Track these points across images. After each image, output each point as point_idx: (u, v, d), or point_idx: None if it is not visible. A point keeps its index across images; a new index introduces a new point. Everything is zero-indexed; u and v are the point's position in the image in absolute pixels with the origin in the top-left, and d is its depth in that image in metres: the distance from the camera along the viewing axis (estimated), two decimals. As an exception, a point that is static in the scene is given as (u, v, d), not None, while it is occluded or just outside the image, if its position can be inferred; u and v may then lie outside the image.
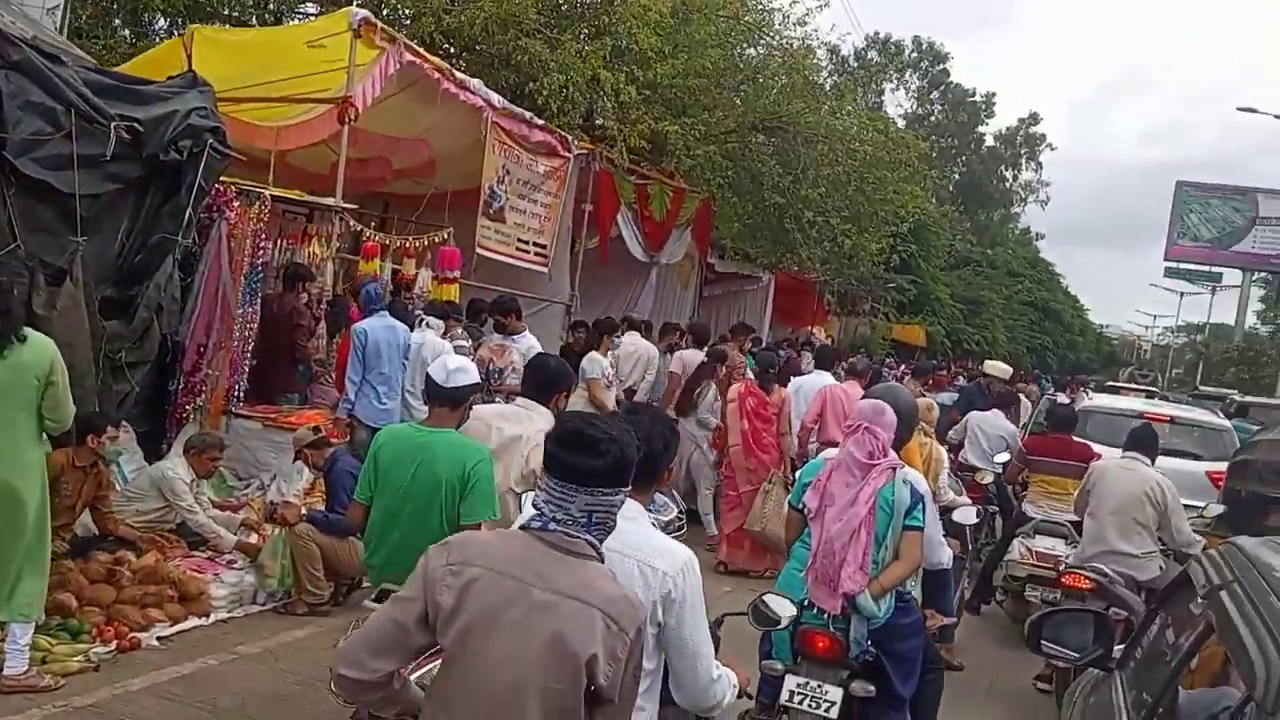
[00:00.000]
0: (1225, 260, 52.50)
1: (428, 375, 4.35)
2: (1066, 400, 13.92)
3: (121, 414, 6.57)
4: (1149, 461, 6.99)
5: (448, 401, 4.24)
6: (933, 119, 52.54)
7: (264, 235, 7.23)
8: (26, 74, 5.22)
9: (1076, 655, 3.87)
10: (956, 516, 6.76)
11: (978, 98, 55.82)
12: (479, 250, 10.27)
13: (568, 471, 2.39)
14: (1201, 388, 37.78)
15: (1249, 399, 24.55)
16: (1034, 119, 58.24)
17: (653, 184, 13.62)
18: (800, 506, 4.53)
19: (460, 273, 9.77)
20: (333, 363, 8.28)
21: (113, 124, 5.72)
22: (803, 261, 17.60)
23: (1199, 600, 3.16)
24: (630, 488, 2.51)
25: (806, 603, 4.32)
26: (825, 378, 9.76)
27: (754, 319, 19.73)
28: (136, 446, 6.86)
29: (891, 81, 43.06)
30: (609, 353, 9.58)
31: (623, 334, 10.50)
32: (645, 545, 2.85)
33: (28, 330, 4.51)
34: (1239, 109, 35.82)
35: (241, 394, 7.41)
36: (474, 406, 4.64)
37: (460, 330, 8.94)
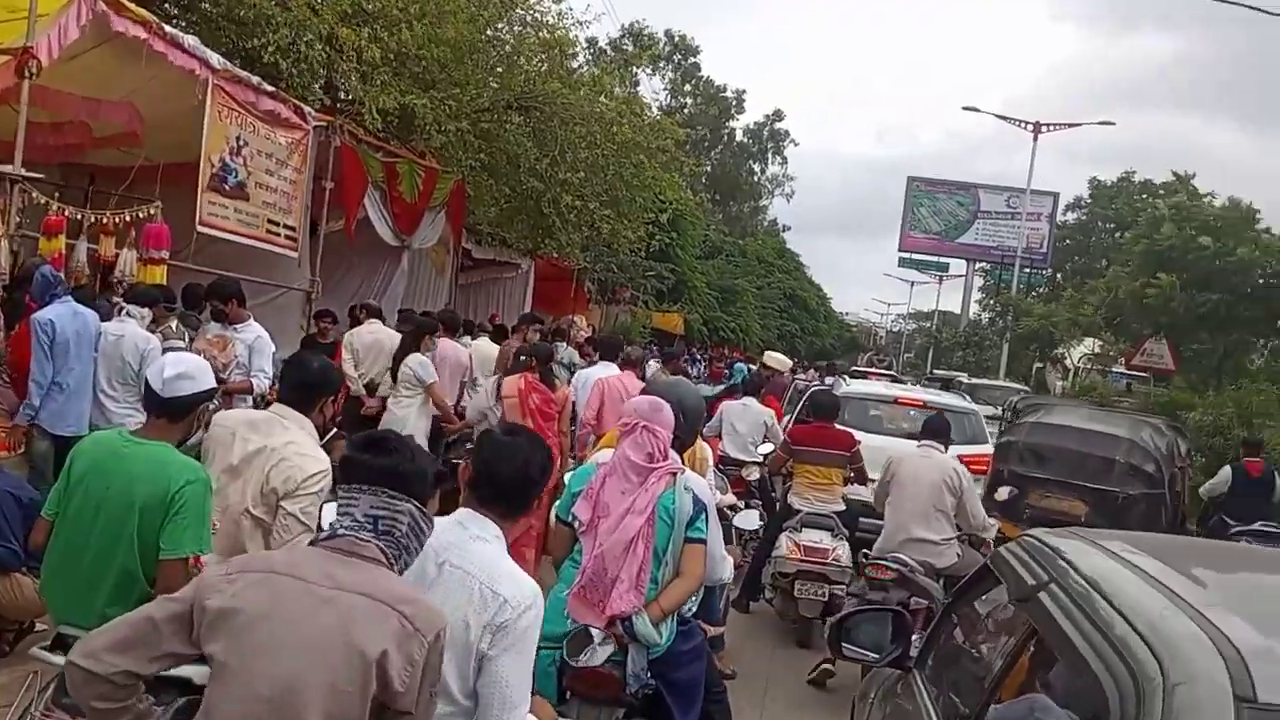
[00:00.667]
0: (951, 251, 56.69)
1: (145, 381, 3.64)
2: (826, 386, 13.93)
3: None
4: (943, 449, 7.16)
5: (165, 411, 3.56)
6: (686, 111, 53.24)
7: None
8: None
9: (876, 656, 3.70)
10: (739, 522, 6.30)
11: (729, 93, 57.38)
12: (200, 228, 9.02)
13: (356, 472, 2.42)
14: (934, 371, 40.28)
15: (975, 380, 26.61)
16: (779, 115, 60.36)
17: (402, 162, 12.61)
18: (569, 519, 3.92)
19: (169, 253, 8.47)
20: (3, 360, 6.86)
21: None
22: (561, 247, 17.06)
23: (1015, 602, 2.88)
24: (425, 502, 2.49)
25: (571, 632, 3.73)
26: (609, 369, 8.94)
27: (513, 307, 19.19)
28: None
29: (646, 70, 43.13)
30: (426, 352, 8.56)
31: (364, 320, 9.52)
32: (494, 569, 2.69)
33: None
34: (964, 108, 38.42)
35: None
36: (219, 411, 4.18)
37: (174, 322, 7.73)
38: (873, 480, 9.35)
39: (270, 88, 9.96)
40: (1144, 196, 57.88)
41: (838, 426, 8.49)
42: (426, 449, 3.79)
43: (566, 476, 4.32)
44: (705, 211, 44.99)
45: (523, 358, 8.24)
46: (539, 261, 19.69)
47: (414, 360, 8.31)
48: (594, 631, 3.69)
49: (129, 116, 9.10)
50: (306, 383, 3.99)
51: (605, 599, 3.67)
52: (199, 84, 8.81)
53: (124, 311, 6.79)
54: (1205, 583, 2.46)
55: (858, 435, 8.58)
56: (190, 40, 8.75)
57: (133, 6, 7.99)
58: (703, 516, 3.87)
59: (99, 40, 8.11)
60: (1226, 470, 11.42)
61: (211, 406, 5.94)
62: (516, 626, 2.59)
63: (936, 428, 7.36)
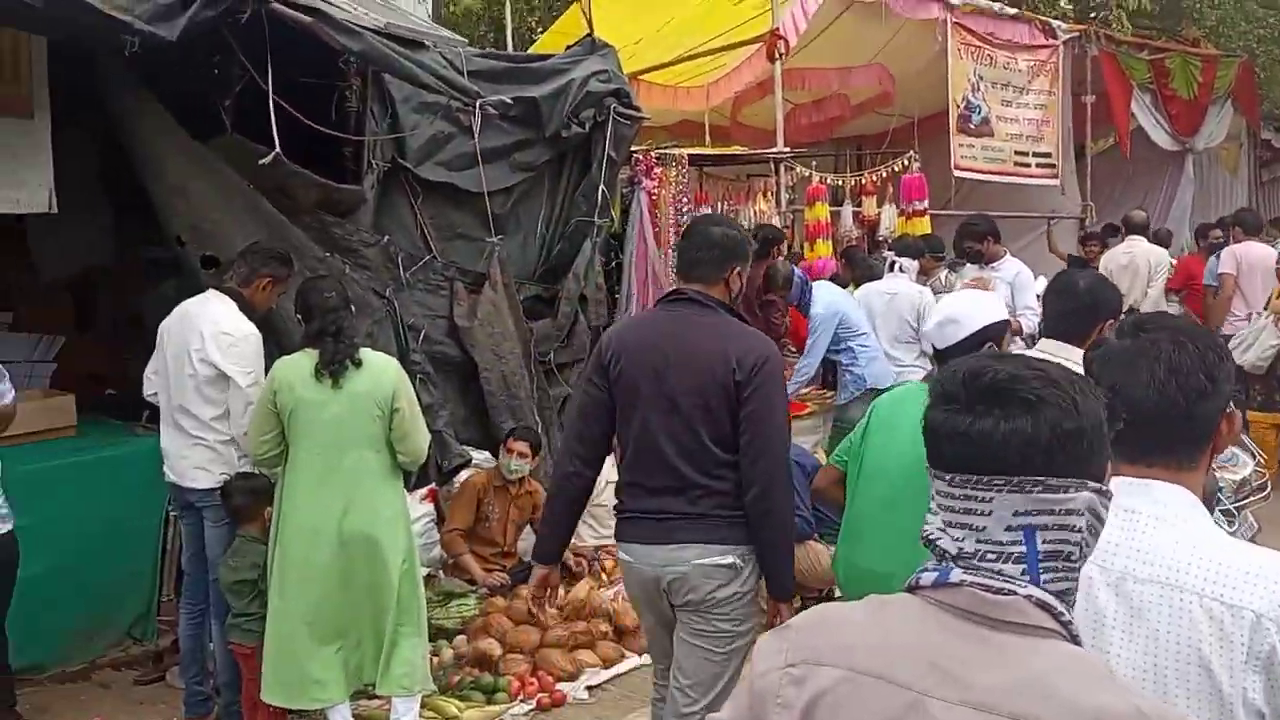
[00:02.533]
0: None
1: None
2: None
3: (563, 419, 6.08)
4: None
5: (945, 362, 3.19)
6: None
7: (686, 199, 6.36)
8: (375, 63, 4.76)
9: None
10: None
11: None
12: (957, 172, 8.79)
13: (965, 451, 1.26)
14: None
15: None
16: None
17: (1172, 57, 11.09)
18: None
19: (928, 204, 8.31)
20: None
21: (478, 102, 5.13)
22: None
23: None
24: (1105, 475, 1.30)
25: None
26: None
27: (1341, 198, 15.96)
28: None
29: None
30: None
31: (1121, 239, 8.38)
32: (1211, 565, 1.54)
33: (366, 352, 3.87)
34: None
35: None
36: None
37: (944, 272, 7.52)
38: None
39: (1012, 10, 9.40)
40: None
41: None
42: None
43: None
44: None
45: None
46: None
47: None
48: None
49: (879, 78, 9.19)
50: (1074, 309, 3.25)
51: None
52: (939, 27, 8.60)
53: (896, 266, 6.73)
54: None
55: None
56: (924, -16, 8.56)
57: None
58: None
59: (840, 8, 8.30)
60: None
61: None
62: None
63: None
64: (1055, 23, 9.86)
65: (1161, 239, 9.34)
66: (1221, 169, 14.05)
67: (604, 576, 5.42)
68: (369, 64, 4.80)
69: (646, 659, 4.87)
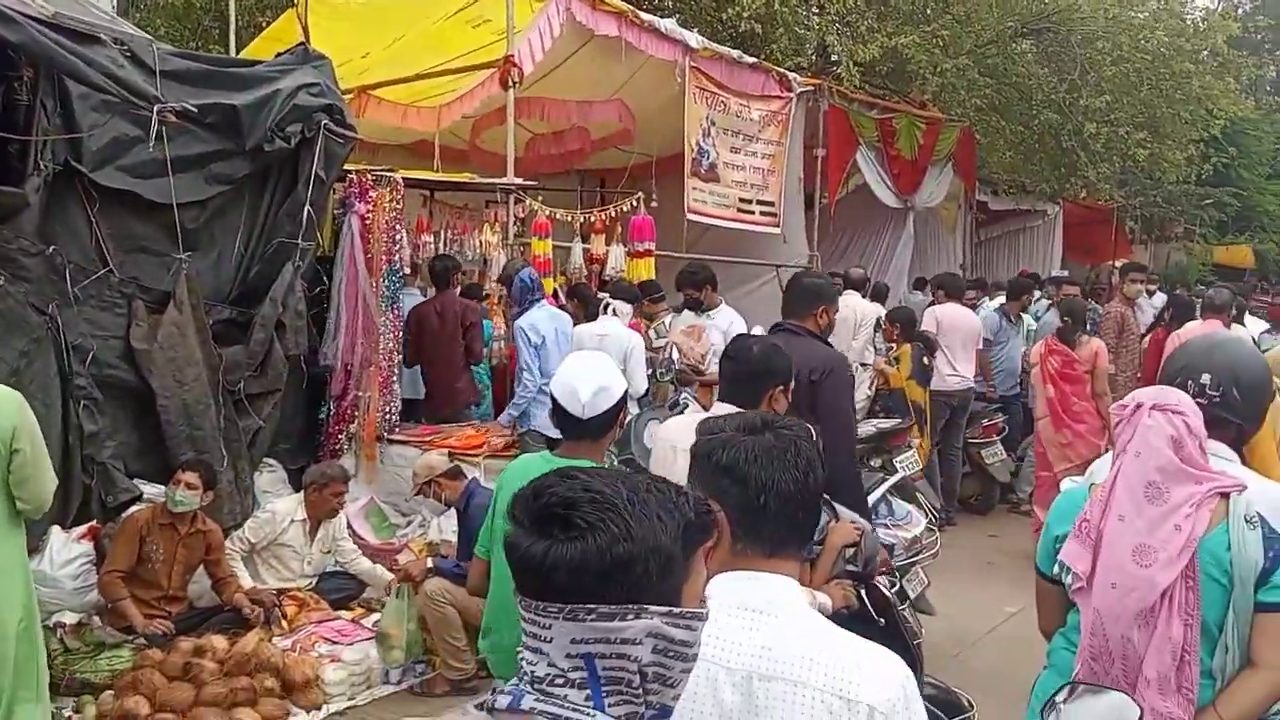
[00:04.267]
0: None
1: (552, 398, 3.14)
2: None
3: (256, 454, 5.69)
4: None
5: (587, 434, 3.10)
6: (1241, 11, 46.12)
7: (399, 226, 6.12)
8: (36, 57, 4.29)
9: None
10: None
11: (1293, -21, 48.77)
12: (689, 215, 8.89)
13: (524, 574, 1.26)
14: None
15: None
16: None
17: (898, 117, 11.71)
18: (1054, 574, 2.57)
19: (653, 245, 8.37)
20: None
21: (155, 108, 4.72)
22: (1091, 184, 15.06)
23: None
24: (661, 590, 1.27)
25: None
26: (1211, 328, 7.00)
27: (1041, 259, 17.45)
28: (287, 486, 5.96)
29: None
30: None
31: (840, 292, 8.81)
32: (828, 660, 1.62)
33: (-13, 384, 3.42)
34: None
35: (395, 415, 6.34)
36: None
37: (667, 318, 7.59)
38: None
39: (750, 59, 9.64)
40: None
41: None
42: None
43: (1064, 485, 2.91)
44: (1275, 122, 38.54)
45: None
46: (1067, 206, 17.62)
47: None
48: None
49: (619, 114, 9.21)
50: (747, 374, 3.25)
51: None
52: (678, 69, 8.71)
53: (610, 309, 6.71)
54: None
55: None
56: (667, 24, 8.64)
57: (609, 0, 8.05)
58: None
59: (580, 42, 8.26)
60: None
61: (684, 402, 5.68)
62: None
63: None
64: (792, 75, 10.17)
65: (879, 293, 9.81)
66: (941, 227, 15.05)
67: (284, 624, 5.06)
68: (28, 57, 4.31)
69: (316, 714, 4.58)
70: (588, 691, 1.23)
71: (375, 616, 5.18)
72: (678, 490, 1.32)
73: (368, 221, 5.97)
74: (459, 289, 7.16)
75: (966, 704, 3.51)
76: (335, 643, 4.90)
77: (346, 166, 6.02)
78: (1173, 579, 2.29)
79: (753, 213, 9.57)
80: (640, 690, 1.25)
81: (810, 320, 4.20)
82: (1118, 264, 18.96)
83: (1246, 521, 2.31)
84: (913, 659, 3.31)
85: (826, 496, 3.56)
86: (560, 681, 1.23)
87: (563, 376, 3.14)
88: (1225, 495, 2.33)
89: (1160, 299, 10.96)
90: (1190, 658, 2.29)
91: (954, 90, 12.34)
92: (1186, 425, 2.35)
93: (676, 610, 1.26)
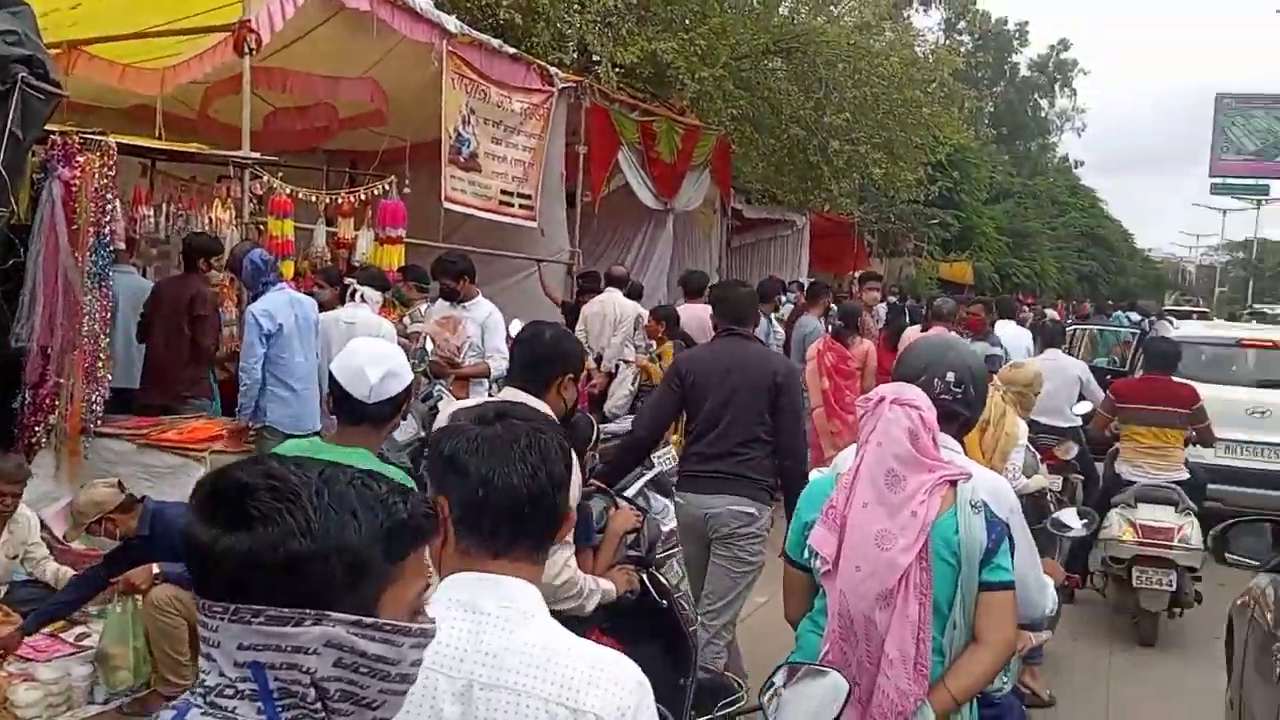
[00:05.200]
0: (1272, 172, 52.18)
1: (333, 382, 2.90)
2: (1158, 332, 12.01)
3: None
4: None
5: (369, 419, 2.88)
6: (964, 50, 50.16)
7: (111, 195, 5.46)
8: None
9: (1257, 563, 4.06)
10: (1054, 527, 4.85)
11: (1010, 26, 53.95)
12: (446, 204, 8.56)
13: (194, 567, 1.10)
14: (1256, 305, 35.79)
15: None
16: (1064, 45, 57.02)
17: (659, 121, 11.81)
18: (803, 559, 2.65)
19: (404, 231, 8.00)
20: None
21: None
22: (834, 198, 15.86)
23: None
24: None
25: None
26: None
27: (790, 267, 18.20)
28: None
29: (918, 8, 40.71)
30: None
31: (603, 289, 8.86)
32: (556, 669, 1.52)
33: None
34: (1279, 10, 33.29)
35: (101, 406, 5.65)
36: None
37: (423, 306, 7.24)
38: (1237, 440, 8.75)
39: (511, 50, 9.39)
40: None
41: (1176, 380, 7.09)
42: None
43: (812, 475, 2.96)
44: (991, 153, 42.23)
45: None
46: (815, 218, 18.52)
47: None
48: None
49: (371, 93, 8.76)
50: (537, 359, 3.24)
51: (865, 685, 2.45)
52: (435, 52, 8.33)
53: (358, 295, 6.29)
54: None
55: (1203, 390, 7.21)
56: (422, 3, 8.24)
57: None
58: (1005, 546, 2.52)
59: (328, 13, 7.74)
60: None
61: (437, 394, 5.37)
62: None
63: None
64: (554, 70, 10.02)
65: (634, 292, 9.80)
66: (699, 231, 15.35)
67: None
68: None
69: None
70: (259, 705, 1.08)
71: (79, 630, 4.58)
72: (396, 487, 1.15)
73: (74, 189, 5.29)
74: (209, 272, 6.46)
75: (736, 685, 3.53)
76: (28, 660, 4.28)
77: (50, 127, 5.31)
78: (910, 561, 2.40)
79: (512, 205, 9.35)
80: (320, 708, 1.10)
81: (752, 326, 4.80)
82: (858, 274, 20.16)
83: (972, 507, 2.49)
84: (689, 645, 3.48)
85: (603, 485, 3.60)
86: (230, 692, 1.09)
87: (348, 359, 2.90)
88: (954, 483, 2.51)
89: (882, 308, 11.94)
90: (924, 635, 2.42)
91: (711, 99, 12.59)
92: (921, 419, 2.49)
93: (369, 620, 1.10)
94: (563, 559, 2.90)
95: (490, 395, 5.70)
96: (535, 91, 9.64)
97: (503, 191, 9.21)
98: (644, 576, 3.34)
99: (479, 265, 7.43)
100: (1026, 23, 54.69)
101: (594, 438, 4.49)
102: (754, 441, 4.51)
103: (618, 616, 3.33)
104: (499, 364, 6.01)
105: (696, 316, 8.39)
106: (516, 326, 7.39)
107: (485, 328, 6.25)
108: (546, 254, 10.31)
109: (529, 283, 10.14)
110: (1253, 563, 4.04)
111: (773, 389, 4.47)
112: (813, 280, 14.08)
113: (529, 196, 9.61)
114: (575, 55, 11.41)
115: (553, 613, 1.64)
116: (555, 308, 9.79)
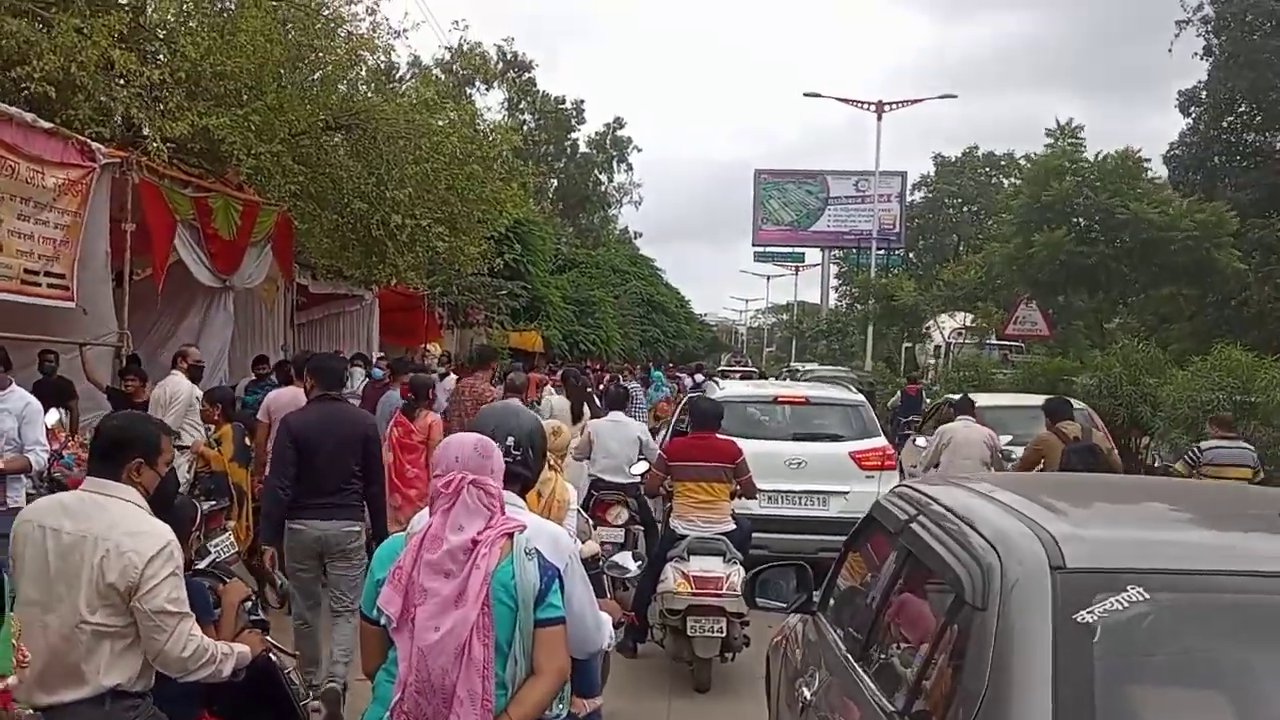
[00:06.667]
0: (805, 240, 58.26)
1: None
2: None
3: None
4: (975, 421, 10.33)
5: None
6: (526, 128, 52.56)
7: None
8: None
9: (784, 605, 4.31)
10: (612, 570, 5.53)
11: (568, 105, 56.85)
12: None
13: None
14: (794, 364, 40.45)
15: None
16: (619, 123, 59.86)
17: (215, 196, 11.57)
18: (374, 615, 2.94)
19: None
20: None
21: None
22: (399, 273, 16.12)
23: (893, 536, 3.58)
24: None
25: None
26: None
27: (360, 341, 18.30)
28: None
29: (480, 89, 42.08)
30: None
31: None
32: None
33: None
34: (805, 94, 38.41)
35: None
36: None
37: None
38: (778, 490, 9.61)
39: (46, 124, 8.89)
40: (986, 170, 60.24)
41: (719, 436, 7.69)
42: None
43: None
44: (555, 226, 44.42)
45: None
46: (383, 292, 18.68)
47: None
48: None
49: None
50: (105, 446, 3.35)
51: None
52: (-49, 125, 7.78)
53: None
54: (1038, 500, 3.08)
55: (744, 444, 7.80)
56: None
57: None
58: (555, 586, 2.93)
59: None
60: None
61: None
62: None
63: (965, 405, 10.79)
64: (96, 145, 9.58)
65: (194, 375, 9.48)
66: (263, 308, 15.09)
67: None
68: None
69: None
70: None
71: None
72: None
73: None
74: None
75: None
76: None
77: None
78: (479, 611, 2.76)
79: (40, 285, 8.79)
80: None
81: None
82: (429, 346, 20.59)
83: (526, 554, 2.89)
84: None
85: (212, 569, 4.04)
86: None
87: None
88: (510, 535, 2.90)
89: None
90: (488, 674, 2.77)
91: (269, 175, 12.49)
92: (488, 491, 2.91)
93: None
94: (184, 631, 3.12)
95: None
96: (73, 166, 9.16)
97: (26, 270, 8.62)
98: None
99: (12, 351, 7.00)
100: (583, 101, 57.00)
101: (197, 518, 4.52)
102: (352, 478, 6.01)
103: (231, 696, 3.59)
104: (40, 457, 5.74)
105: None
106: (54, 417, 7.08)
107: (23, 419, 5.91)
108: (91, 336, 9.79)
109: (73, 364, 9.59)
110: (780, 605, 4.29)
111: (363, 439, 6.11)
112: (397, 357, 14.50)
113: (62, 275, 9.08)
114: (121, 129, 10.96)
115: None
116: (100, 391, 9.37)
